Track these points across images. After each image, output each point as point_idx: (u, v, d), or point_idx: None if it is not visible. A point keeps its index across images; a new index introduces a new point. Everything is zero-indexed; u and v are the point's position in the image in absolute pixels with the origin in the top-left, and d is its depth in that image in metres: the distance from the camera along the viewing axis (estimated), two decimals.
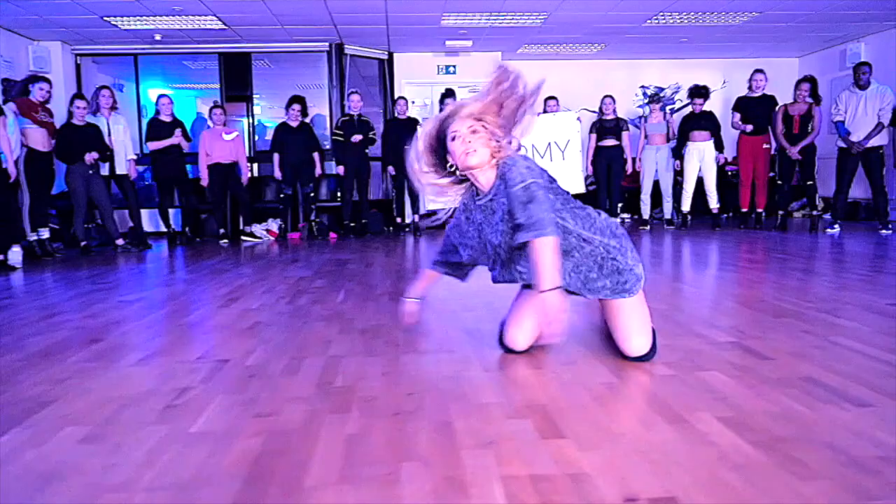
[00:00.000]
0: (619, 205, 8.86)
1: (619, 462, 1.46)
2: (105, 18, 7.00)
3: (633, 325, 2.25)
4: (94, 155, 6.17)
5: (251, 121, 8.95)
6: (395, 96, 9.05)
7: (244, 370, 2.25)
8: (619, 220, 8.60)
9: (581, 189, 7.97)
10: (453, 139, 2.13)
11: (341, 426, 1.71)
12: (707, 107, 7.69)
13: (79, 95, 6.31)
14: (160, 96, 7.34)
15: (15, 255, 5.20)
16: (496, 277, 2.27)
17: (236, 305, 3.46)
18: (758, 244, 6.01)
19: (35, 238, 5.87)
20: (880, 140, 6.71)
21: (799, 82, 7.10)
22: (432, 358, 2.34)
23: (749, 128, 7.27)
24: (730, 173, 8.65)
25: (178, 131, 7.13)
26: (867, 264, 4.60)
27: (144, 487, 1.39)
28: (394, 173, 7.88)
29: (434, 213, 2.42)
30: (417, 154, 2.22)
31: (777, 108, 7.22)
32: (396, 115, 7.91)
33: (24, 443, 1.65)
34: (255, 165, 8.69)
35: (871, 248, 5.58)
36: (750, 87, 7.42)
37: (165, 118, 7.20)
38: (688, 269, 4.98)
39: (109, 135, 6.66)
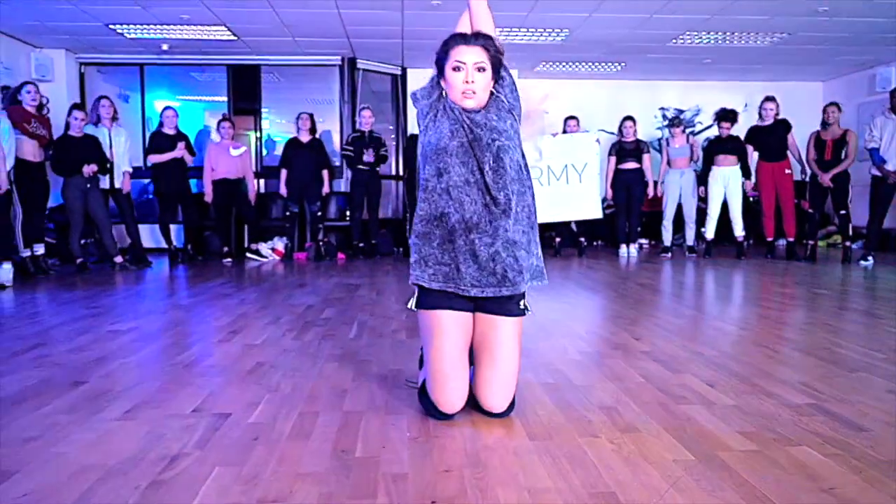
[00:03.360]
0: (638, 229, 8.54)
1: None
2: (110, 26, 6.74)
3: (508, 371, 1.97)
4: (93, 168, 5.87)
5: (259, 134, 8.67)
6: (410, 114, 8.78)
7: (246, 430, 1.91)
8: (637, 245, 8.27)
9: (598, 214, 7.68)
10: (455, 69, 1.95)
11: None
12: (733, 131, 7.37)
13: (77, 106, 6.03)
14: (165, 108, 7.06)
15: (4, 272, 4.89)
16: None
17: (238, 340, 3.13)
18: (789, 276, 5.67)
19: (28, 254, 5.55)
20: None
21: (826, 107, 6.80)
22: (466, 419, 2.00)
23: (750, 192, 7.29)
24: (752, 199, 8.30)
25: (181, 144, 6.84)
26: None
27: None
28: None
29: None
30: None
31: (809, 136, 6.91)
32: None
33: None
34: (262, 181, 8.39)
35: None
36: (760, 116, 7.16)
37: (169, 131, 6.91)
38: (724, 303, 4.65)
39: (111, 146, 6.36)
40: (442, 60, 1.99)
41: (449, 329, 1.94)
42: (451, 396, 1.93)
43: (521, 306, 1.99)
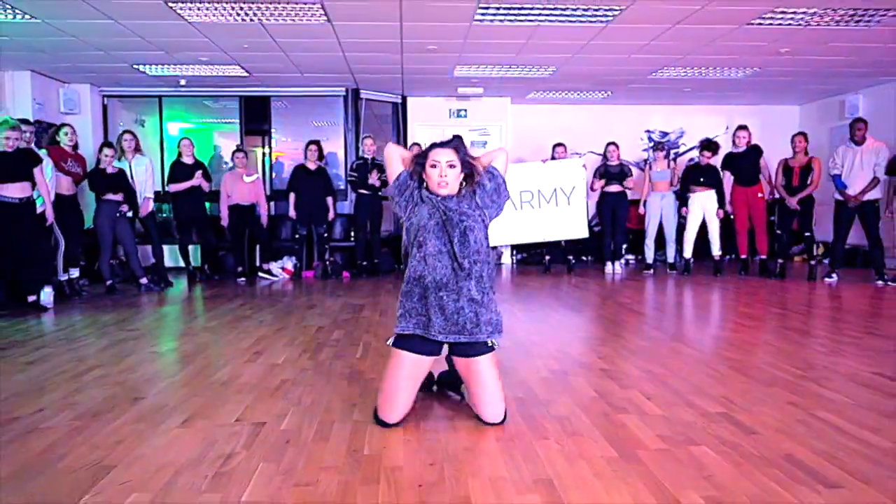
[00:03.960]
0: (624, 246, 9.11)
1: None
2: (134, 66, 7.34)
3: (494, 389, 2.55)
4: (125, 209, 6.49)
5: (268, 151, 9.30)
6: (409, 138, 9.40)
7: (279, 435, 2.49)
8: (623, 261, 8.84)
9: (585, 234, 8.24)
10: (433, 166, 2.55)
11: (373, 498, 1.95)
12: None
13: (107, 144, 6.62)
14: (181, 139, 7.66)
15: (47, 295, 5.47)
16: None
17: (262, 360, 3.71)
18: (756, 296, 6.23)
19: (66, 277, 6.14)
20: (875, 193, 6.97)
21: (794, 136, 7.40)
22: (451, 427, 2.58)
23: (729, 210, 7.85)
24: (732, 217, 8.85)
25: (198, 173, 7.43)
26: (860, 324, 4.82)
27: None
28: None
29: None
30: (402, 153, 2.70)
31: (779, 163, 7.50)
32: None
33: None
34: (272, 204, 8.98)
35: (866, 303, 5.80)
36: (734, 143, 7.74)
37: (187, 160, 7.50)
38: (687, 325, 5.21)
39: (132, 177, 6.95)
40: (423, 158, 2.60)
41: (406, 365, 2.57)
42: (390, 412, 2.54)
43: (489, 345, 2.57)
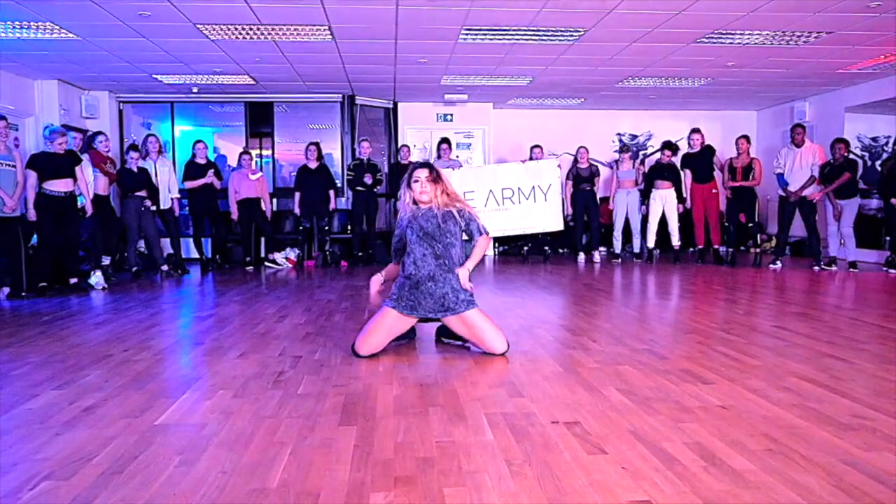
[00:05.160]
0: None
1: (553, 408, 2.58)
2: (153, 76, 8.16)
3: (492, 330, 3.47)
4: (149, 204, 7.31)
5: (267, 152, 10.12)
6: (399, 141, 10.27)
7: (314, 363, 3.35)
8: (596, 253, 9.75)
9: (560, 226, 9.13)
10: (416, 181, 3.45)
11: (390, 391, 2.82)
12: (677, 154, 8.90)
13: (132, 147, 7.46)
14: (196, 142, 8.48)
15: (98, 278, 6.31)
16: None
17: (287, 321, 4.56)
18: (703, 277, 7.16)
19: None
20: (813, 190, 7.92)
21: (738, 139, 8.36)
22: (442, 357, 3.46)
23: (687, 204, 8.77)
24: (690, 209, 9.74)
25: (210, 172, 8.25)
26: (783, 297, 5.76)
27: (286, 416, 2.50)
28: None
29: None
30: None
31: (724, 161, 8.47)
32: (400, 160, 9.09)
33: (197, 398, 2.75)
34: (275, 200, 9.80)
35: (797, 283, 6.74)
36: (690, 145, 8.67)
37: (200, 160, 8.32)
38: (637, 297, 6.12)
39: (156, 175, 7.77)
40: (408, 178, 3.54)
41: (389, 317, 3.47)
42: (363, 345, 3.43)
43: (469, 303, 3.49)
